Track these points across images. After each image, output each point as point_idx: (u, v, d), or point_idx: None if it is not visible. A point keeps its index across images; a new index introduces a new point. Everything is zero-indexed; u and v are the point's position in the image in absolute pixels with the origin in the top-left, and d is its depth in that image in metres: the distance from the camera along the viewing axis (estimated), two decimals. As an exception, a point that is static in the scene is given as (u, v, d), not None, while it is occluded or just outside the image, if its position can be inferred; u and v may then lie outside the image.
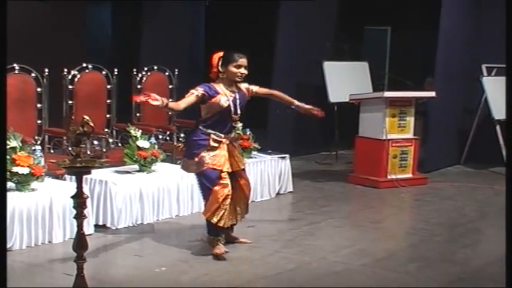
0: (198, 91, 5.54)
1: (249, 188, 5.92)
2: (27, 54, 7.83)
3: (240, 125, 5.80)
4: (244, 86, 5.78)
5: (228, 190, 5.54)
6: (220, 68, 5.65)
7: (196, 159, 5.57)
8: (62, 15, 9.79)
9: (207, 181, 5.56)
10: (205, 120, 5.64)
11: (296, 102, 6.10)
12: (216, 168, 5.54)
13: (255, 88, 5.87)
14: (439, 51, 9.64)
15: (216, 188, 5.52)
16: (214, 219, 5.52)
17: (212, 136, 5.59)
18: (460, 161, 10.58)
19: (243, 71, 5.68)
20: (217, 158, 5.56)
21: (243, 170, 5.88)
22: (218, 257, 5.53)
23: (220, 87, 5.64)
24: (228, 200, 5.55)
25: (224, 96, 5.60)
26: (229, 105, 5.61)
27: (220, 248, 5.59)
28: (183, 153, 5.86)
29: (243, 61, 5.68)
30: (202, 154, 5.55)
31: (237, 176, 5.76)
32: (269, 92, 6.12)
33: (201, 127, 5.64)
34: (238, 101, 5.68)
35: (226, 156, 5.62)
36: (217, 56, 5.70)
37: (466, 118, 10.65)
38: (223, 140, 5.64)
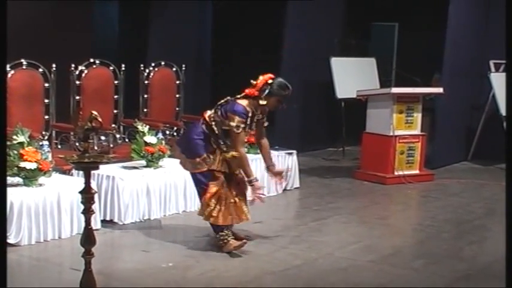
0: (239, 127, 5.41)
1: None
2: (35, 50, 7.88)
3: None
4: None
5: (218, 188, 5.47)
6: (262, 95, 5.49)
7: (198, 159, 5.52)
8: (70, 11, 9.81)
9: (205, 179, 5.51)
10: (211, 126, 5.56)
11: (271, 163, 5.94)
12: (215, 170, 5.50)
13: (266, 123, 5.78)
14: (446, 47, 9.62)
15: (210, 186, 5.47)
16: (213, 221, 5.52)
17: (213, 138, 5.55)
18: (467, 158, 10.56)
19: (283, 106, 5.64)
20: (216, 160, 5.51)
21: None
22: (235, 251, 5.53)
23: (250, 108, 5.50)
24: (223, 198, 5.49)
25: (252, 120, 5.55)
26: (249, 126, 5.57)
27: (232, 244, 5.56)
28: (180, 147, 5.74)
29: (288, 93, 5.57)
30: (205, 156, 5.51)
31: (233, 176, 5.68)
32: (261, 135, 5.91)
33: (203, 127, 5.58)
34: (256, 123, 5.65)
35: (221, 158, 5.54)
36: (264, 80, 5.54)
37: (474, 114, 10.62)
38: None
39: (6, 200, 4.89)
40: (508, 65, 6.21)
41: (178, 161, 5.82)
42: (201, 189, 5.58)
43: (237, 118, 5.42)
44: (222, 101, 5.60)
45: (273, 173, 5.99)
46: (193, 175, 5.67)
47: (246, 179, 5.57)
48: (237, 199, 5.59)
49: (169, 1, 10.81)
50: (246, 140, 7.60)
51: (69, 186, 5.89)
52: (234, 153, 5.49)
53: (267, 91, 5.49)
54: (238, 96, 5.59)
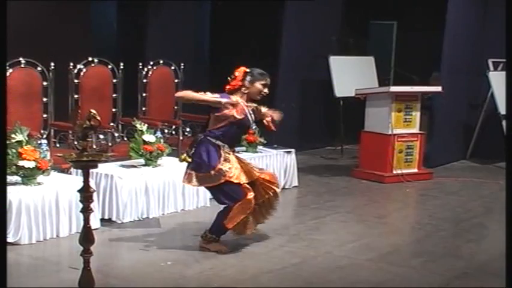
0: (214, 95, 5.47)
1: (275, 183, 5.80)
2: (33, 48, 7.86)
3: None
4: (253, 105, 5.68)
5: (253, 203, 5.50)
6: (246, 83, 5.58)
7: (213, 172, 5.45)
8: (68, 9, 9.80)
9: (232, 192, 5.44)
10: (214, 131, 5.53)
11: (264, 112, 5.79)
12: (234, 181, 5.45)
13: (263, 109, 5.72)
14: (445, 45, 9.63)
15: (243, 201, 5.43)
16: (236, 230, 5.60)
17: (222, 148, 5.53)
18: (466, 156, 10.58)
19: (266, 90, 5.66)
20: (232, 170, 5.47)
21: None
22: (222, 252, 5.55)
23: (237, 99, 5.55)
24: (250, 212, 5.55)
25: (242, 109, 5.55)
26: (245, 118, 5.57)
27: (219, 246, 5.58)
28: (190, 167, 5.61)
29: (268, 81, 5.66)
30: (219, 166, 5.45)
31: (257, 182, 5.66)
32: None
33: (209, 138, 5.53)
34: (252, 116, 5.65)
35: (239, 168, 5.53)
36: (242, 70, 5.61)
37: (472, 113, 10.63)
38: (231, 153, 5.59)
39: (5, 201, 4.89)
40: (508, 64, 6.21)
41: (176, 159, 5.77)
42: (230, 201, 5.47)
43: (219, 95, 5.48)
44: None
45: (262, 114, 5.70)
46: (214, 190, 5.58)
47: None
48: (255, 206, 5.62)
49: (167, 0, 10.81)
50: (245, 139, 7.64)
51: (67, 185, 5.89)
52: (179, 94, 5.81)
53: (248, 77, 5.58)
54: None
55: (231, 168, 5.47)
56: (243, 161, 5.73)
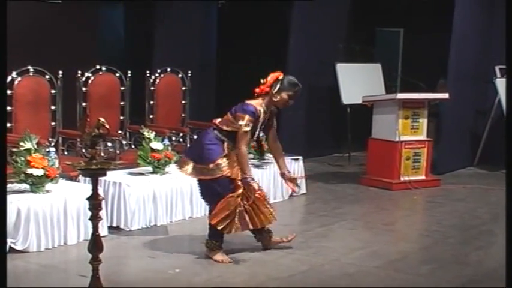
0: (248, 125, 5.41)
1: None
2: (40, 56, 7.92)
3: None
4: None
5: (240, 199, 5.45)
6: (274, 91, 5.54)
7: (212, 165, 5.44)
8: (74, 17, 9.83)
9: (221, 188, 5.43)
10: (223, 131, 5.53)
11: (285, 169, 5.91)
12: (231, 177, 5.45)
13: (275, 124, 5.77)
14: (451, 52, 9.62)
15: (230, 196, 5.42)
16: (219, 226, 5.46)
17: (226, 143, 5.52)
18: (473, 163, 10.55)
19: (292, 101, 5.65)
20: (231, 166, 5.46)
21: None
22: (224, 262, 5.51)
23: (261, 107, 5.52)
24: (238, 209, 5.46)
25: (259, 121, 5.55)
26: (256, 129, 5.58)
27: (222, 256, 5.54)
28: (190, 156, 5.67)
29: (298, 91, 5.63)
30: (219, 161, 5.45)
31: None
32: (274, 139, 5.90)
33: (216, 132, 5.54)
34: (263, 126, 5.66)
35: (237, 167, 5.51)
36: (275, 76, 5.58)
37: (479, 120, 10.62)
38: (233, 150, 5.56)
39: (6, 206, 4.90)
40: (508, 69, 6.21)
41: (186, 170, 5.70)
42: (216, 197, 5.47)
43: (246, 117, 5.42)
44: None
45: (289, 179, 5.92)
46: (205, 183, 5.57)
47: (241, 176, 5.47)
48: (246, 206, 5.52)
49: (174, 7, 10.84)
50: (251, 147, 7.63)
51: (75, 193, 5.91)
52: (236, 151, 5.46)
53: (278, 86, 5.53)
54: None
55: (230, 163, 5.45)
56: None
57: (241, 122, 5.41)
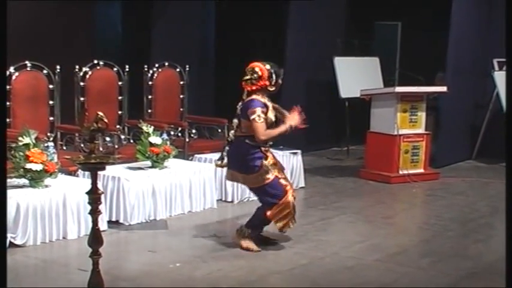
0: (261, 116, 5.47)
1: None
2: (38, 51, 7.89)
3: None
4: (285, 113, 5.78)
5: (293, 198, 5.64)
6: (272, 82, 5.61)
7: (258, 173, 5.56)
8: (72, 12, 9.83)
9: (278, 190, 5.57)
10: (250, 136, 5.55)
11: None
12: (279, 176, 5.60)
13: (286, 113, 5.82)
14: (450, 46, 9.62)
15: (288, 196, 5.58)
16: (278, 222, 5.63)
17: (261, 147, 5.58)
18: (472, 156, 10.56)
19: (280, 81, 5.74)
20: (273, 166, 5.61)
21: None
22: (245, 249, 5.62)
23: (263, 99, 5.60)
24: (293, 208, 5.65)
25: (271, 111, 5.62)
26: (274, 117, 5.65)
27: (251, 244, 5.65)
28: (235, 168, 5.72)
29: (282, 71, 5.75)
30: (264, 163, 5.56)
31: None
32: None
33: (247, 141, 5.57)
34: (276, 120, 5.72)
35: (275, 163, 5.69)
36: (266, 69, 5.60)
37: (478, 113, 10.62)
38: (268, 148, 5.69)
39: (6, 205, 4.90)
40: (508, 62, 6.21)
41: (183, 161, 5.75)
42: (275, 198, 5.58)
43: (257, 109, 5.48)
44: (237, 111, 5.66)
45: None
46: (259, 189, 5.66)
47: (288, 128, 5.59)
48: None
49: (172, 1, 10.82)
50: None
51: (75, 187, 5.91)
52: (263, 137, 5.51)
53: (274, 76, 5.61)
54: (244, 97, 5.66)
55: (272, 163, 5.60)
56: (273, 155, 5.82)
57: (254, 116, 5.47)
